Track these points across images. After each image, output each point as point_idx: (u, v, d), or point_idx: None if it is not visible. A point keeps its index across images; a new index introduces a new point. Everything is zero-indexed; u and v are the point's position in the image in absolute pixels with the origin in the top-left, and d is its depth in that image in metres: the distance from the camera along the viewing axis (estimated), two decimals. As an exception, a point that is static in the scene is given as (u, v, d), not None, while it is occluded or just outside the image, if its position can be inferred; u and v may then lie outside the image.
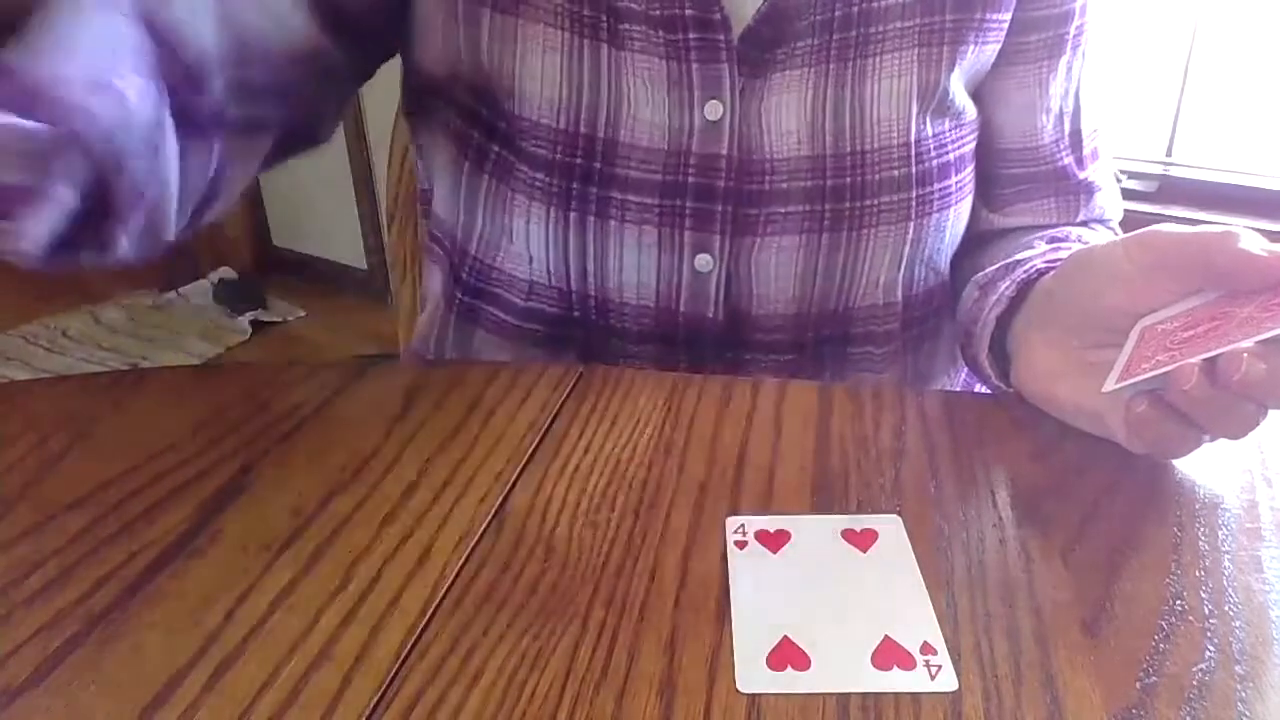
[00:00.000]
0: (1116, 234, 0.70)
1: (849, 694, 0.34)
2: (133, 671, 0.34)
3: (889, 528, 0.42)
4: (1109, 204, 0.70)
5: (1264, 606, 0.38)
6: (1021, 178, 0.67)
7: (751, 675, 0.34)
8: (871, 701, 0.33)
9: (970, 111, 0.63)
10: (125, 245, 0.46)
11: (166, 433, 0.49)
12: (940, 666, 0.34)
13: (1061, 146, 0.66)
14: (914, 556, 0.40)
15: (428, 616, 0.37)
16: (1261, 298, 0.41)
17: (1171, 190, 1.60)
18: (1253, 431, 0.42)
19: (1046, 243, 0.61)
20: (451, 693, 0.33)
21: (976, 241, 0.68)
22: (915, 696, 0.33)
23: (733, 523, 0.42)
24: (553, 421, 0.50)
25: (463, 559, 0.40)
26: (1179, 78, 1.66)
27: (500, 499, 0.44)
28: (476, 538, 0.41)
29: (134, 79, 0.41)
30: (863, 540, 0.41)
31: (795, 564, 0.40)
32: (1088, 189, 0.67)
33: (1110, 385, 0.44)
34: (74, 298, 2.64)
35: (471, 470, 0.46)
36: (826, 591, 0.38)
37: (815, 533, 0.42)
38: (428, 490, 0.44)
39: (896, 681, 0.34)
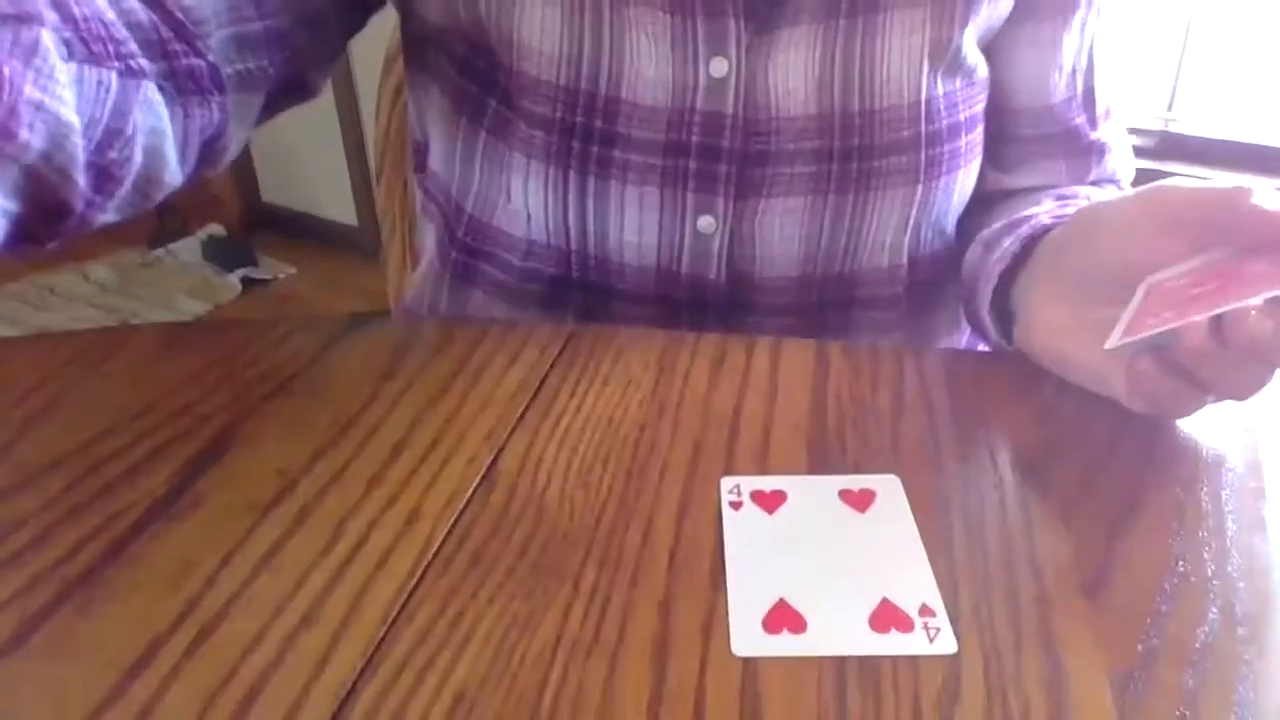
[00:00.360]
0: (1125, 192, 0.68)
1: (846, 657, 0.33)
2: (114, 635, 0.34)
3: (887, 488, 0.41)
4: (1120, 165, 0.68)
5: (1267, 568, 0.37)
6: (1032, 139, 0.65)
7: (746, 638, 0.34)
8: (869, 664, 0.33)
9: (982, 70, 0.61)
10: (103, 218, 0.46)
11: (147, 392, 0.47)
12: (939, 629, 0.34)
13: (1074, 106, 0.64)
14: (913, 517, 0.39)
15: (416, 579, 0.36)
16: (1272, 255, 0.39)
17: (1172, 146, 1.58)
18: (1259, 392, 0.41)
19: (1054, 200, 0.60)
20: (440, 656, 0.33)
21: (983, 202, 0.66)
22: (913, 659, 0.33)
23: (728, 483, 0.41)
24: (543, 381, 0.49)
25: (451, 521, 0.39)
26: (1181, 34, 1.63)
27: (490, 460, 0.43)
28: (466, 499, 0.40)
29: (62, 81, 0.39)
30: (860, 501, 0.40)
31: (791, 525, 0.39)
32: (1099, 150, 0.66)
33: (1113, 342, 0.43)
34: (62, 255, 2.61)
35: (460, 431, 0.45)
36: (823, 553, 0.38)
37: (812, 493, 0.41)
38: (416, 451, 0.43)
39: (894, 644, 0.33)
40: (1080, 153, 0.65)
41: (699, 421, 0.45)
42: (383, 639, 0.33)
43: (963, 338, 0.72)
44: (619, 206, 0.59)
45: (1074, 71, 0.63)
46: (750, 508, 0.40)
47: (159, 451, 0.43)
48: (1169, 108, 1.66)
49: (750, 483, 0.41)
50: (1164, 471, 0.42)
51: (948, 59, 0.58)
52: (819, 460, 0.43)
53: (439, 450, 0.43)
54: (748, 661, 0.33)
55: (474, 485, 0.41)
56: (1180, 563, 0.37)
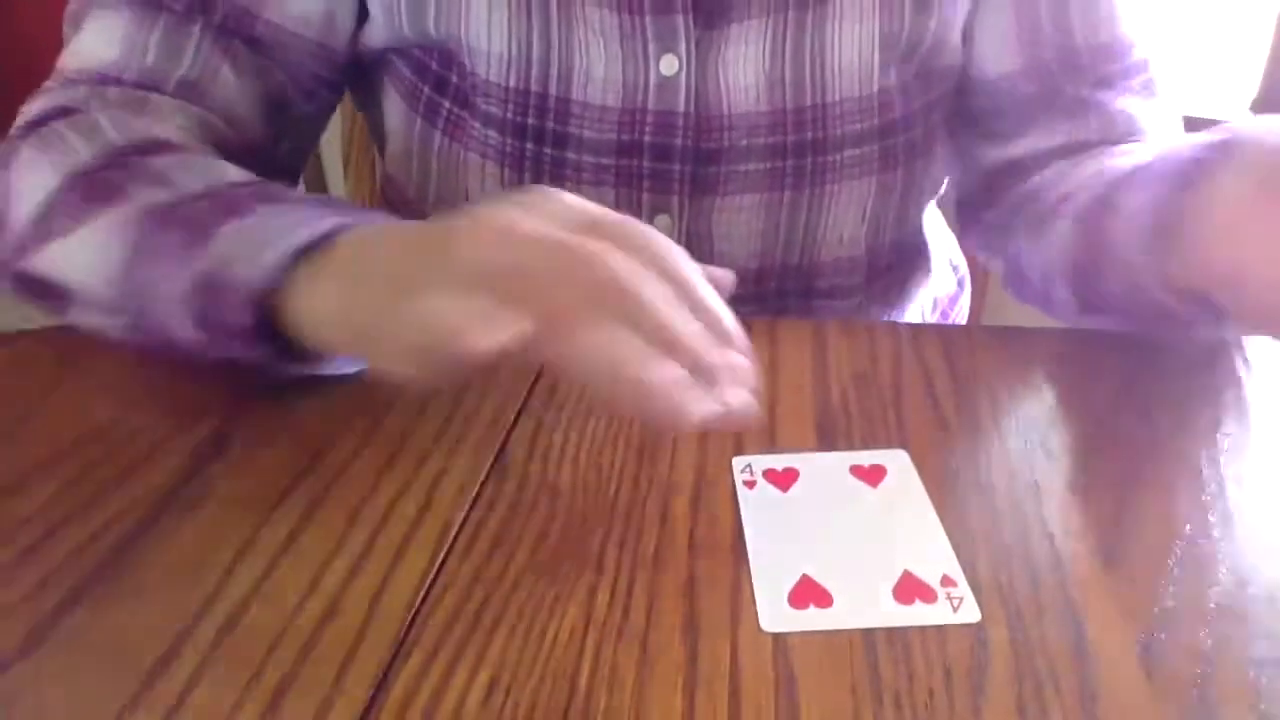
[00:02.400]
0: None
1: (873, 630, 0.33)
2: (132, 633, 0.33)
3: (897, 462, 0.41)
4: (1143, 119, 0.60)
5: (1272, 527, 0.38)
6: (1019, 104, 0.61)
7: (774, 615, 0.34)
8: (898, 636, 0.33)
9: (942, 58, 0.59)
10: None
11: (141, 386, 0.46)
12: (962, 598, 0.34)
13: (1055, 67, 0.59)
14: (924, 490, 0.40)
15: (437, 567, 0.36)
16: None
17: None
18: None
19: (1135, 159, 0.53)
20: (470, 642, 0.32)
21: (986, 181, 0.63)
22: (940, 629, 0.33)
23: (739, 463, 0.41)
24: (544, 367, 0.48)
25: (466, 507, 0.39)
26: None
27: (499, 445, 0.42)
28: (478, 486, 0.40)
29: None
30: (872, 476, 0.41)
31: (806, 502, 0.39)
32: (1098, 107, 0.60)
33: None
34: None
35: (466, 418, 0.44)
36: (841, 528, 0.38)
37: (823, 470, 0.41)
38: (423, 439, 0.43)
39: (919, 615, 0.34)
40: (1076, 111, 0.60)
41: (705, 401, 0.45)
42: (409, 627, 0.33)
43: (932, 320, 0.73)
44: None
45: (1042, 33, 0.59)
46: (764, 486, 0.40)
47: (159, 446, 0.42)
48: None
49: (761, 461, 0.41)
50: (1164, 437, 0.43)
51: (901, 47, 0.57)
52: (826, 437, 0.43)
53: (446, 437, 0.43)
54: (778, 637, 0.33)
55: (485, 471, 0.41)
56: (1188, 526, 0.38)
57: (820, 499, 0.40)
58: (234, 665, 0.32)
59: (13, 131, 0.52)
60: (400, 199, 0.65)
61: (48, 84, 0.55)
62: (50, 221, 0.46)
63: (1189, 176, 0.43)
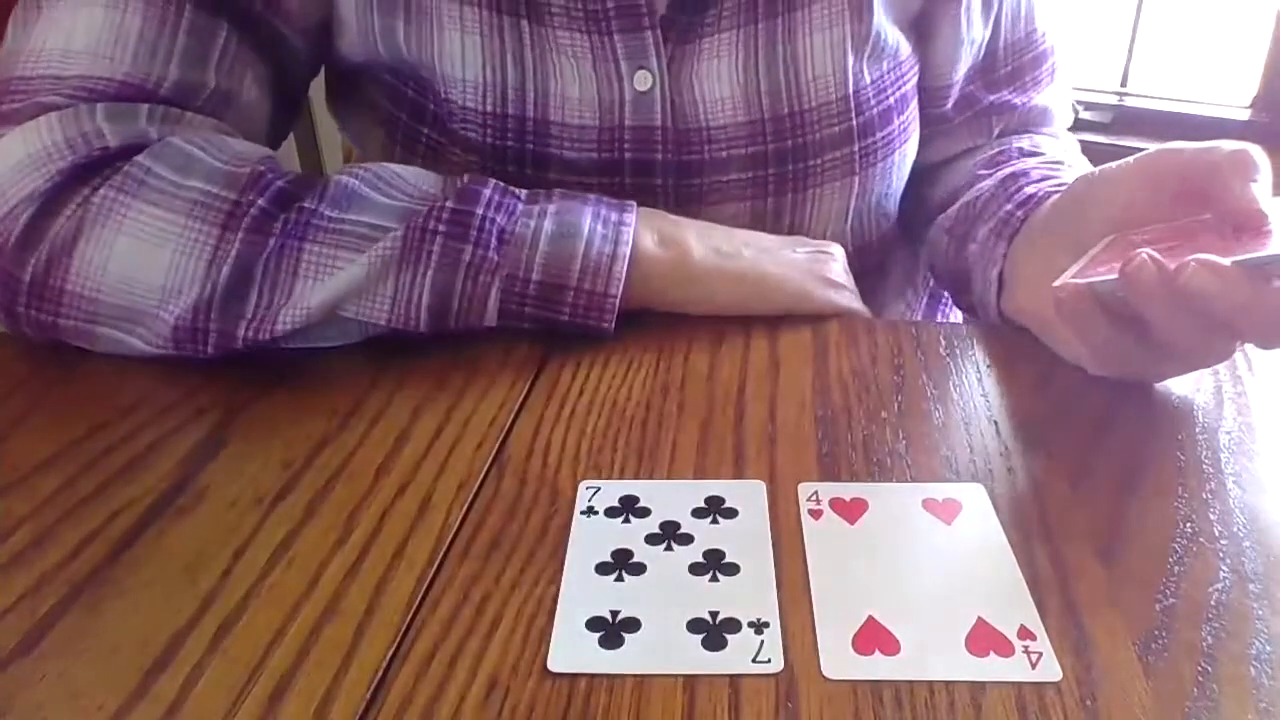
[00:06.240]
0: (1059, 140, 0.68)
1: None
2: (130, 633, 0.33)
3: (973, 498, 0.39)
4: (1037, 119, 0.67)
5: (1271, 526, 0.38)
6: (934, 116, 0.65)
7: (837, 660, 0.32)
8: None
9: (904, 49, 0.61)
10: None
11: (136, 385, 0.46)
12: (1040, 654, 0.32)
13: (972, 73, 0.64)
14: (1002, 528, 0.38)
15: (435, 567, 0.36)
16: (1228, 231, 0.40)
17: (1127, 121, 1.61)
18: (1210, 361, 0.43)
19: (987, 168, 0.60)
20: (469, 643, 0.32)
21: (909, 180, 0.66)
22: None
23: (805, 490, 0.39)
24: (543, 365, 0.48)
25: (465, 506, 0.39)
26: (1133, 6, 1.66)
27: (498, 444, 0.42)
28: (477, 484, 0.40)
29: None
30: (946, 511, 0.39)
31: (875, 537, 0.37)
32: (1003, 109, 0.65)
33: (1061, 280, 0.42)
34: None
35: (464, 416, 0.44)
36: (910, 568, 0.36)
37: (894, 502, 0.39)
38: (421, 438, 0.43)
39: (994, 669, 0.31)
40: (982, 120, 0.65)
41: (704, 401, 0.45)
42: (408, 628, 0.33)
43: (919, 304, 0.73)
44: None
45: (974, 42, 0.63)
46: (831, 517, 0.38)
47: (156, 446, 0.42)
48: (1123, 82, 1.69)
49: (828, 490, 0.39)
50: (1163, 435, 0.43)
51: (870, 46, 0.58)
52: (828, 436, 0.43)
53: (444, 437, 0.43)
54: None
55: (484, 471, 0.41)
56: (1188, 525, 0.38)
57: (890, 534, 0.37)
58: (232, 666, 0.32)
59: (49, 180, 0.45)
60: None
61: (16, 103, 0.47)
62: (259, 279, 0.46)
63: (1008, 231, 0.52)
